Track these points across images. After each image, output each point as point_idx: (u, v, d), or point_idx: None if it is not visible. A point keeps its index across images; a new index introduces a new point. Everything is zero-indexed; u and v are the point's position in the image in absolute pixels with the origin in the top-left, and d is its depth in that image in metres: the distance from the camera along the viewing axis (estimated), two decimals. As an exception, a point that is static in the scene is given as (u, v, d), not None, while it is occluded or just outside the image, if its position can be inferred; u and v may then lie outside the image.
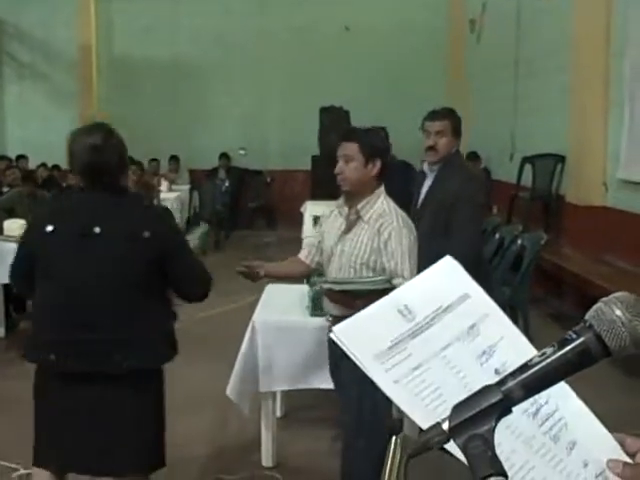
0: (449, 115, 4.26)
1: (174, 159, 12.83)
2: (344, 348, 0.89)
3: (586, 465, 0.92)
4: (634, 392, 4.93)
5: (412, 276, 3.31)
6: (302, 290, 4.10)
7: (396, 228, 3.27)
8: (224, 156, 13.11)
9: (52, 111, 13.22)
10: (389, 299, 0.96)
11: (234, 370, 3.71)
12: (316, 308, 3.66)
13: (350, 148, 3.30)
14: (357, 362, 0.88)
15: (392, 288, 3.03)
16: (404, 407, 0.84)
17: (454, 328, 0.93)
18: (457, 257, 3.71)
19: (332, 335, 0.90)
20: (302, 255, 3.58)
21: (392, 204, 3.39)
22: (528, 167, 8.43)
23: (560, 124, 7.77)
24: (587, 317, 0.77)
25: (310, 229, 6.91)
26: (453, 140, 4.18)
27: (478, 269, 4.07)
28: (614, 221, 6.70)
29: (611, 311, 0.76)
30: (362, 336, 0.90)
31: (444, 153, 4.14)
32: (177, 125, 13.14)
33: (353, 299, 3.14)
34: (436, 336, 0.92)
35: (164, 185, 11.18)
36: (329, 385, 3.76)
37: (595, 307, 0.77)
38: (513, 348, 0.92)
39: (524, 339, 0.95)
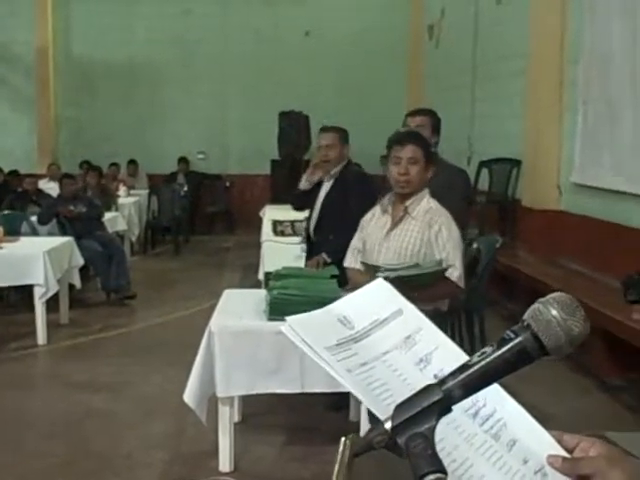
0: (430, 112, 4.56)
1: (132, 163, 12.73)
2: (295, 337, 0.90)
3: (526, 462, 0.94)
4: (589, 392, 5.01)
5: (461, 266, 3.54)
6: (259, 295, 4.09)
7: (446, 222, 3.52)
8: (183, 160, 13.05)
9: (9, 115, 13.03)
10: (329, 309, 0.99)
11: (191, 375, 3.69)
12: (273, 312, 3.65)
13: (415, 151, 3.50)
14: (309, 351, 0.89)
15: (444, 277, 3.10)
16: (358, 394, 0.86)
17: (391, 338, 0.97)
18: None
19: (284, 327, 0.92)
20: (355, 264, 3.71)
21: (437, 202, 3.61)
22: (485, 171, 8.54)
23: (516, 129, 7.89)
24: (525, 317, 0.79)
25: (269, 233, 6.88)
26: (431, 136, 4.39)
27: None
28: (568, 224, 6.82)
29: (547, 311, 0.78)
30: (313, 330, 0.93)
31: None
32: (136, 129, 13.05)
33: (410, 290, 3.23)
34: (376, 343, 0.95)
35: (122, 190, 11.08)
36: (287, 390, 3.76)
37: (532, 307, 0.79)
38: (448, 356, 0.95)
39: (458, 349, 0.98)
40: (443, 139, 5.06)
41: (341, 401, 4.29)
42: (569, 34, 7.06)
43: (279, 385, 3.73)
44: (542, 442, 0.97)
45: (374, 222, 3.68)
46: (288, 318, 0.93)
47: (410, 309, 1.02)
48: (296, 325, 0.92)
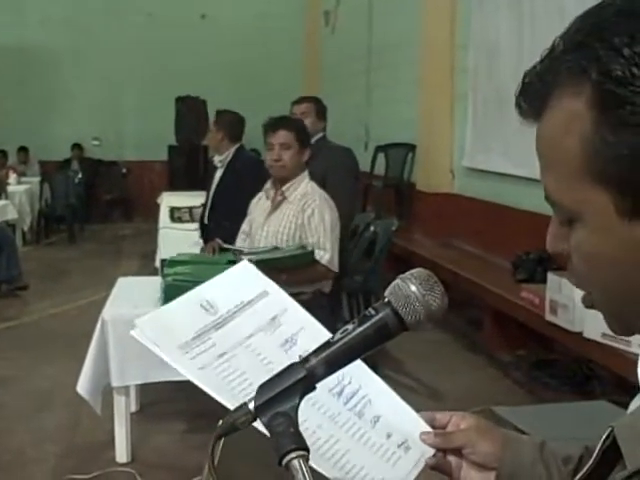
0: (313, 99, 4.69)
1: (23, 150, 12.28)
2: (145, 339, 0.89)
3: (389, 436, 0.97)
4: (480, 369, 5.18)
5: (333, 250, 3.64)
6: (155, 282, 4.03)
7: (319, 206, 3.59)
8: (77, 147, 12.69)
9: None
10: (191, 295, 0.99)
11: (84, 366, 3.61)
12: (168, 299, 3.60)
13: (287, 136, 3.57)
14: (159, 353, 0.88)
15: (314, 260, 3.22)
16: (210, 391, 0.86)
17: (256, 320, 0.97)
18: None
19: (133, 332, 0.90)
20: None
21: (315, 186, 3.71)
22: (381, 156, 8.66)
23: (410, 114, 8.02)
24: (386, 294, 0.81)
25: (166, 220, 6.78)
26: (317, 122, 4.51)
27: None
28: (460, 207, 7.00)
29: (407, 287, 0.79)
30: (165, 328, 0.92)
31: (311, 132, 4.38)
32: (26, 114, 12.54)
33: (278, 273, 3.29)
34: (240, 327, 0.95)
35: (12, 177, 10.67)
36: (183, 377, 3.72)
37: (393, 284, 0.81)
38: (314, 337, 0.96)
39: (323, 329, 1.00)
40: (341, 125, 5.14)
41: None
42: (459, 22, 7.22)
43: (176, 373, 3.64)
44: (405, 417, 1.00)
45: (259, 206, 3.80)
46: (137, 320, 0.92)
47: (275, 290, 1.03)
48: (147, 326, 0.91)
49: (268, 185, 3.78)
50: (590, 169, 0.65)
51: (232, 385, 0.88)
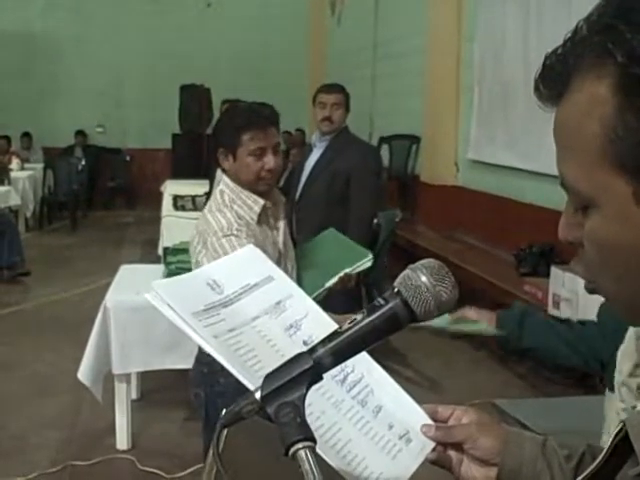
0: (343, 90, 4.45)
1: (26, 136, 12.25)
2: (160, 303, 0.88)
3: (391, 427, 0.96)
4: (482, 362, 5.18)
5: None
6: (157, 270, 4.03)
7: None
8: (80, 134, 12.66)
9: None
10: (198, 272, 0.98)
11: (86, 353, 3.62)
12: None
13: (278, 136, 2.61)
14: (174, 316, 0.87)
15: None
16: (223, 360, 0.85)
17: (262, 303, 0.96)
18: (357, 225, 3.59)
19: (148, 294, 0.89)
20: None
21: None
22: (385, 147, 8.64)
23: (415, 106, 7.99)
24: (395, 284, 0.79)
25: (169, 208, 6.78)
26: (346, 114, 4.38)
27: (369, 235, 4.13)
28: (464, 199, 6.99)
29: (417, 277, 0.78)
30: (180, 295, 0.90)
31: (339, 124, 4.32)
32: (30, 100, 12.53)
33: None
34: (245, 308, 0.94)
35: (15, 163, 10.66)
36: (185, 365, 3.72)
37: (402, 274, 0.79)
38: (318, 323, 0.96)
39: (327, 316, 0.99)
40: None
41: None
42: (465, 14, 7.19)
43: (176, 361, 3.70)
44: (407, 408, 0.99)
45: (258, 227, 2.55)
46: (154, 283, 0.90)
47: (281, 276, 1.02)
48: (162, 290, 0.89)
49: (251, 205, 2.53)
50: (610, 155, 0.63)
51: (244, 359, 0.88)
